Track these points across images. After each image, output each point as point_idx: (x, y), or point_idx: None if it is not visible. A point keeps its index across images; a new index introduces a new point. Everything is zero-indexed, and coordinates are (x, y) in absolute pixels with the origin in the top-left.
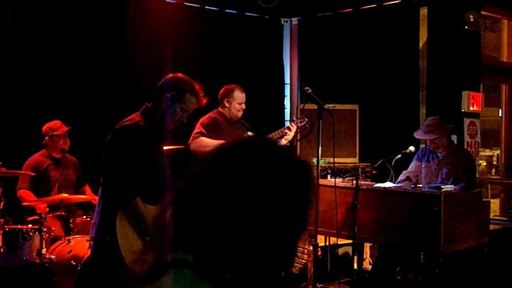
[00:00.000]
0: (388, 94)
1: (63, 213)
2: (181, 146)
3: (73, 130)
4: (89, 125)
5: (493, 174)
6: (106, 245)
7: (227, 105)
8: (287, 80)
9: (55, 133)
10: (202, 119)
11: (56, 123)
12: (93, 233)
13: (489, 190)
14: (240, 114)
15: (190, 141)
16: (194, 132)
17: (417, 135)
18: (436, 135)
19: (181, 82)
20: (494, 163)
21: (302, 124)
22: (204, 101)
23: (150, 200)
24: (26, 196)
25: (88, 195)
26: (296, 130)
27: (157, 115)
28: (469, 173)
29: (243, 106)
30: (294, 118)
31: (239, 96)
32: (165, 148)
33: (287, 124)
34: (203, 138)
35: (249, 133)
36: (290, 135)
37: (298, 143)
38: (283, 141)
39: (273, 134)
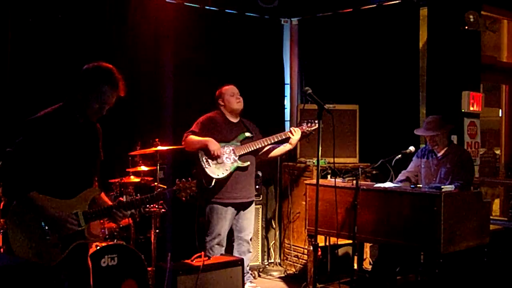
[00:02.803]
0: (388, 94)
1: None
2: (181, 146)
3: None
4: None
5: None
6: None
7: (222, 103)
8: (287, 80)
9: None
10: (200, 118)
11: None
12: None
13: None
14: (239, 105)
15: (182, 140)
16: (187, 130)
17: (418, 132)
18: (436, 132)
19: (97, 73)
20: None
21: (311, 129)
22: (123, 92)
23: (59, 193)
24: None
25: None
26: (302, 134)
27: (75, 108)
28: (466, 172)
29: (238, 96)
30: (304, 123)
31: (227, 89)
32: (165, 148)
33: (287, 124)
34: (191, 136)
35: (247, 134)
36: (293, 139)
37: (298, 143)
38: (288, 146)
39: (273, 136)
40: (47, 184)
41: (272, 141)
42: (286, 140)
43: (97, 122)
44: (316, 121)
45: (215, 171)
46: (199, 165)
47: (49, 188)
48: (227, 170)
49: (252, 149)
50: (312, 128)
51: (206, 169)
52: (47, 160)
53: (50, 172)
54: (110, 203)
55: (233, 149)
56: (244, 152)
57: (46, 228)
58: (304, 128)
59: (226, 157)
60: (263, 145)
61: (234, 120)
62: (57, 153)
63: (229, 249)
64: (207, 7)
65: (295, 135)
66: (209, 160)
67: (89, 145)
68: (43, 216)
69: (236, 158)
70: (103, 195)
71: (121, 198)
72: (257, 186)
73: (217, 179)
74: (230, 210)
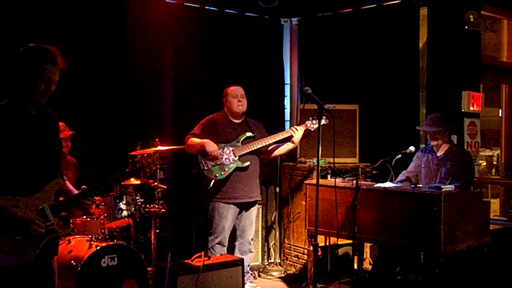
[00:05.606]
0: (388, 94)
1: (63, 213)
2: (181, 146)
3: (74, 132)
4: (89, 126)
5: (493, 174)
6: None
7: (226, 104)
8: (287, 80)
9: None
10: (203, 119)
11: (60, 125)
12: None
13: (489, 190)
14: (240, 107)
15: (184, 143)
16: (189, 132)
17: (420, 127)
18: (438, 128)
19: (33, 54)
20: (494, 163)
21: (315, 126)
22: (63, 64)
23: (22, 191)
24: None
25: None
26: (306, 131)
27: (23, 98)
28: (467, 172)
29: (240, 98)
30: (308, 120)
31: (232, 90)
32: (165, 148)
33: (287, 124)
34: (192, 139)
35: (248, 134)
36: (296, 137)
37: (299, 143)
38: (291, 145)
39: (274, 136)
40: (7, 183)
41: (272, 141)
42: (288, 139)
43: (93, 122)
44: (317, 120)
45: (214, 172)
46: (199, 167)
47: (10, 187)
48: (226, 170)
49: (252, 149)
50: (316, 126)
51: (205, 171)
52: (3, 158)
53: (8, 170)
54: (76, 191)
55: (233, 150)
56: (244, 152)
57: (14, 229)
58: (308, 125)
59: (226, 158)
60: (263, 144)
61: (237, 120)
62: (13, 149)
63: (231, 249)
64: (207, 7)
65: (297, 133)
66: (208, 162)
67: (46, 136)
68: (6, 218)
69: (236, 159)
70: (67, 183)
71: (84, 186)
72: None
73: (215, 179)
74: (232, 209)
